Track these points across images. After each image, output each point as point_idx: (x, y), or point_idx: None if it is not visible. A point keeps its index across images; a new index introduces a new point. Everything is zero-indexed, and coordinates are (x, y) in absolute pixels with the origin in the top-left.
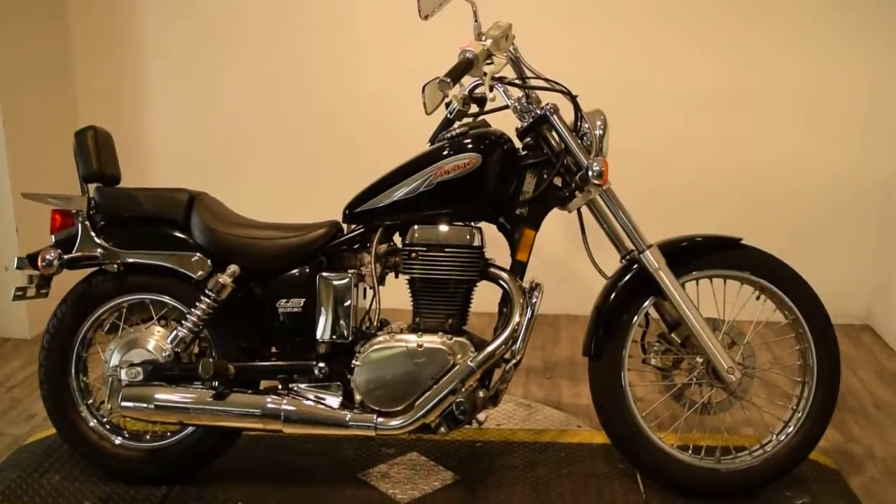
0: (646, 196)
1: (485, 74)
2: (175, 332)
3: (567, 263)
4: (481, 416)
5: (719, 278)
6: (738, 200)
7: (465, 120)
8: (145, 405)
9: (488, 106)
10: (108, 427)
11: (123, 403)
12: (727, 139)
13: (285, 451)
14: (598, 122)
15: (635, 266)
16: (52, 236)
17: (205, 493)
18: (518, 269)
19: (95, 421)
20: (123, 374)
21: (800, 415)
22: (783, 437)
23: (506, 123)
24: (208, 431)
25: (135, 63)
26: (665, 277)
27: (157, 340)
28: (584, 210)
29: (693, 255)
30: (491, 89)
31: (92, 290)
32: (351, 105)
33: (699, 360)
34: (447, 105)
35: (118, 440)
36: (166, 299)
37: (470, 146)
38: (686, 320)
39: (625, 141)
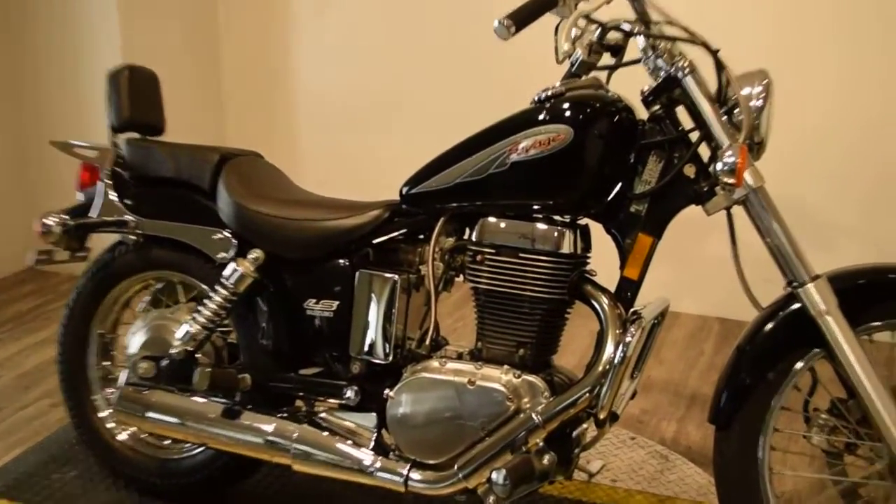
0: (821, 199)
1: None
2: (185, 327)
3: None
4: (594, 465)
5: None
6: None
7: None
8: (139, 410)
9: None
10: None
11: (118, 404)
12: None
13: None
14: (758, 90)
15: (797, 303)
16: (79, 193)
17: None
18: (626, 288)
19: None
20: (135, 368)
21: None
22: None
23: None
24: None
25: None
26: (833, 325)
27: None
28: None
29: (884, 295)
30: (593, 32)
31: (114, 261)
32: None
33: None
34: (569, 54)
35: (129, 440)
36: (191, 280)
37: (564, 115)
38: (859, 391)
39: (791, 121)
